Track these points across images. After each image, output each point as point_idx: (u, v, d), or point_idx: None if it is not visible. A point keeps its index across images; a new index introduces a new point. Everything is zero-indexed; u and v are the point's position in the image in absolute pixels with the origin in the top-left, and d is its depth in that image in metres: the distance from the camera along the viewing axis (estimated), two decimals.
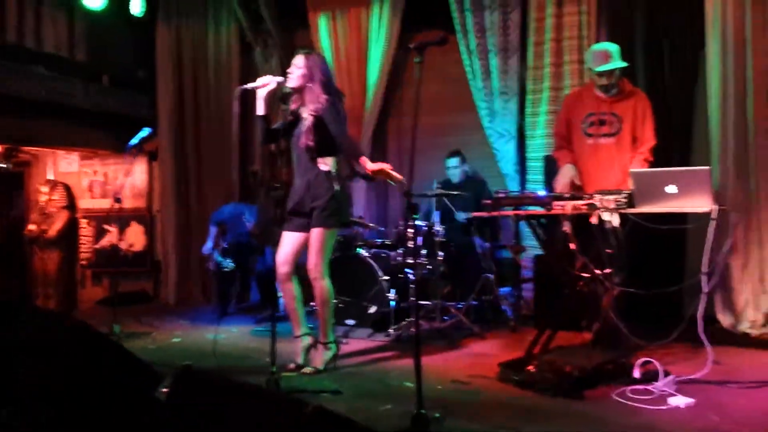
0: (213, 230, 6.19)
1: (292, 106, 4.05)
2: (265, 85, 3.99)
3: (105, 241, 7.25)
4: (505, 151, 5.95)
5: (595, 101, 4.44)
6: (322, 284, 4.00)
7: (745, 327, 4.70)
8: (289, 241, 4.04)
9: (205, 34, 7.07)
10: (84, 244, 7.38)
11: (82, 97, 6.67)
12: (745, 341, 4.53)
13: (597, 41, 5.45)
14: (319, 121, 3.90)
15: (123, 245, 7.18)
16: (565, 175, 4.33)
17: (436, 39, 3.21)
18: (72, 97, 6.52)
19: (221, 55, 7.04)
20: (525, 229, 5.28)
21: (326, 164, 3.99)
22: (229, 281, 6.20)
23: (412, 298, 5.05)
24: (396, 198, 6.74)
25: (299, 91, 3.99)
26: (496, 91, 5.95)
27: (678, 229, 4.44)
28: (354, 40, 6.43)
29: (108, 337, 3.15)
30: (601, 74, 4.34)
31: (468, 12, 5.99)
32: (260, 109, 4.04)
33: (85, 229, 7.38)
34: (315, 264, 3.97)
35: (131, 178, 7.12)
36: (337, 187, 3.98)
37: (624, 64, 4.40)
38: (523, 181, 5.91)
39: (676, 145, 5.38)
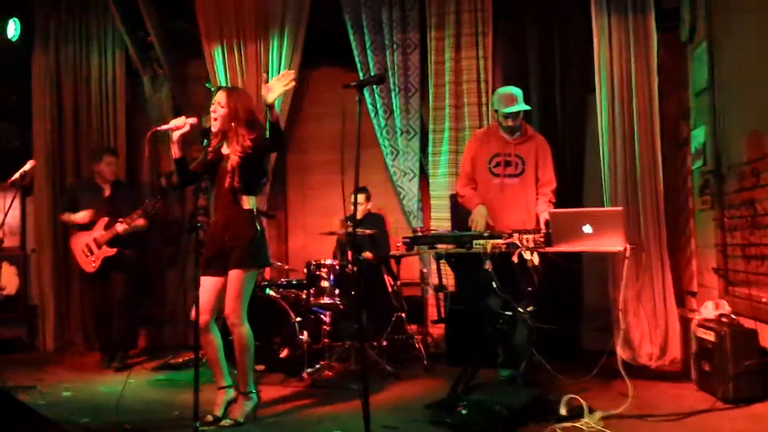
0: None
1: (213, 142, 3.88)
2: (178, 127, 3.80)
3: None
4: (408, 189, 6.01)
5: (501, 142, 4.64)
6: (242, 330, 3.81)
7: (644, 360, 4.99)
8: (208, 288, 3.81)
9: (87, 60, 6.61)
10: None
11: None
12: (646, 373, 4.79)
13: (494, 85, 5.69)
14: (244, 161, 3.75)
15: None
16: (481, 214, 4.44)
17: (374, 79, 3.24)
18: None
19: (106, 83, 6.59)
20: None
21: (247, 204, 3.85)
22: (107, 318, 5.63)
23: (325, 340, 4.94)
24: (297, 235, 6.62)
25: (222, 130, 3.83)
26: (399, 130, 6.02)
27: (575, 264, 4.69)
28: (252, 73, 6.25)
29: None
30: (506, 116, 4.54)
31: (369, 51, 6.04)
32: (175, 152, 3.84)
33: None
34: (233, 309, 3.78)
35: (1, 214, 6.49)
36: (258, 227, 3.84)
37: (527, 108, 4.64)
38: (426, 219, 5.99)
39: (568, 184, 5.65)
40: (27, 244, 6.74)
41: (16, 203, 6.57)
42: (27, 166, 5.00)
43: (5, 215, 4.95)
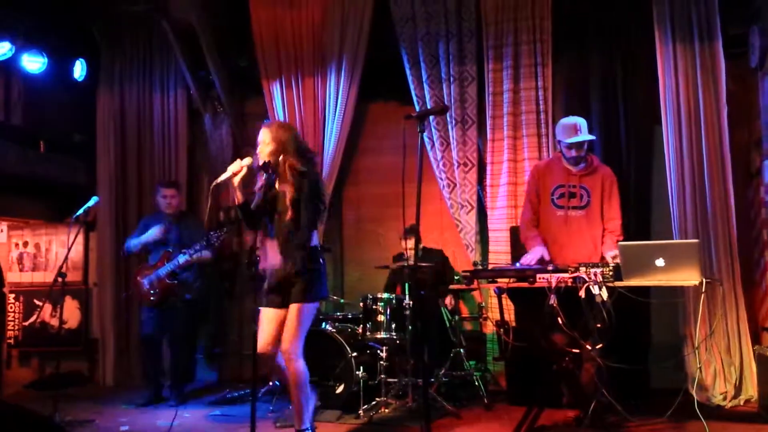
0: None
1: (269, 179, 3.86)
2: (236, 173, 3.74)
3: (34, 318, 6.69)
4: (466, 222, 5.90)
5: (564, 174, 4.48)
6: (297, 365, 3.74)
7: (718, 399, 4.72)
8: (271, 319, 3.77)
9: (150, 99, 6.78)
10: (11, 321, 6.77)
11: (15, 163, 6.25)
12: (719, 414, 4.51)
13: (554, 116, 5.58)
14: (299, 194, 3.72)
15: (54, 322, 6.62)
16: (536, 253, 4.27)
17: (437, 109, 3.15)
18: (5, 163, 6.09)
19: (168, 121, 6.74)
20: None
21: (315, 240, 3.81)
22: (157, 353, 5.61)
23: (382, 375, 4.83)
24: (353, 269, 6.56)
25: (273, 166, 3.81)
26: (456, 162, 5.93)
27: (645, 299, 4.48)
28: (309, 108, 6.30)
29: None
30: (570, 146, 4.39)
31: (425, 84, 6.00)
32: (238, 198, 3.79)
33: (13, 305, 6.79)
34: (291, 343, 3.72)
35: (63, 248, 6.64)
36: (319, 260, 3.80)
37: (592, 138, 4.49)
38: (485, 252, 5.85)
39: (634, 217, 5.46)
40: (89, 278, 6.85)
41: (80, 238, 6.73)
42: (91, 202, 5.12)
43: (68, 250, 5.02)
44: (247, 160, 3.79)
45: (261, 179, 3.86)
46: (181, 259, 5.36)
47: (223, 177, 3.76)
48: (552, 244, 4.37)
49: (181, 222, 5.71)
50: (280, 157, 3.76)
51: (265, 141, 3.78)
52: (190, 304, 5.61)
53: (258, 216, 3.85)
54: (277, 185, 3.84)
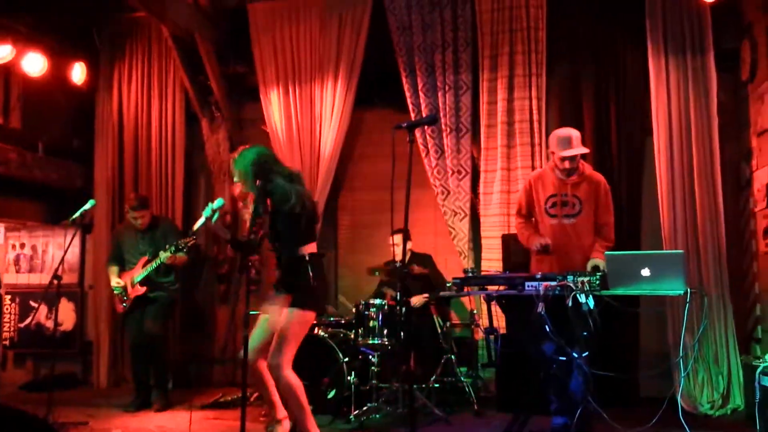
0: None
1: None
2: (209, 218, 3.83)
3: (29, 320, 6.72)
4: (459, 229, 5.95)
5: (558, 183, 4.51)
6: (284, 375, 3.75)
7: (705, 408, 4.76)
8: (262, 326, 3.84)
9: (148, 103, 6.84)
10: (7, 322, 6.81)
11: (14, 165, 6.30)
12: (706, 423, 4.57)
13: (547, 125, 5.63)
14: (275, 215, 3.81)
15: (49, 324, 6.65)
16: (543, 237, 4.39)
17: (427, 120, 3.21)
18: (4, 166, 6.14)
19: (166, 125, 6.80)
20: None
21: (303, 252, 3.86)
22: (143, 357, 5.58)
23: (373, 381, 4.87)
24: (347, 274, 6.61)
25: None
26: (450, 170, 5.99)
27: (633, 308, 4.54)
28: (306, 115, 6.35)
29: None
30: (564, 158, 4.43)
31: (421, 93, 6.06)
32: (223, 235, 4.08)
33: (9, 306, 6.83)
34: (275, 354, 3.72)
35: (60, 250, 6.68)
36: (310, 273, 3.85)
37: (586, 151, 4.52)
38: (477, 259, 5.91)
39: (625, 227, 5.50)
40: (85, 280, 6.90)
41: (76, 241, 6.74)
42: (87, 206, 5.15)
43: (65, 252, 5.07)
44: (217, 204, 3.88)
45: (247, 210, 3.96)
46: (153, 265, 5.41)
47: (198, 224, 3.89)
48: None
49: (156, 228, 5.71)
50: (257, 185, 3.82)
51: (235, 173, 3.91)
52: (167, 309, 5.66)
53: (251, 244, 3.88)
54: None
